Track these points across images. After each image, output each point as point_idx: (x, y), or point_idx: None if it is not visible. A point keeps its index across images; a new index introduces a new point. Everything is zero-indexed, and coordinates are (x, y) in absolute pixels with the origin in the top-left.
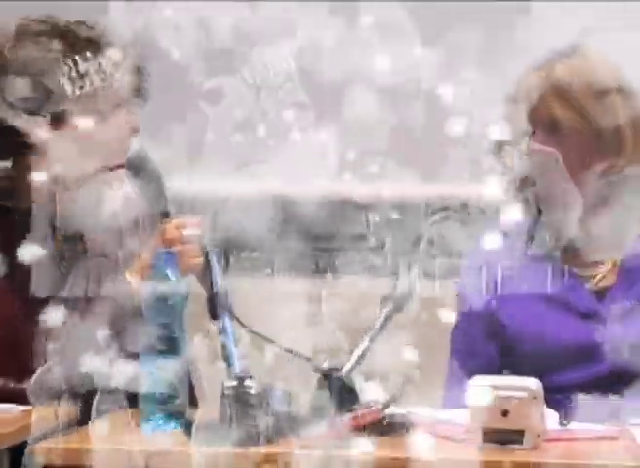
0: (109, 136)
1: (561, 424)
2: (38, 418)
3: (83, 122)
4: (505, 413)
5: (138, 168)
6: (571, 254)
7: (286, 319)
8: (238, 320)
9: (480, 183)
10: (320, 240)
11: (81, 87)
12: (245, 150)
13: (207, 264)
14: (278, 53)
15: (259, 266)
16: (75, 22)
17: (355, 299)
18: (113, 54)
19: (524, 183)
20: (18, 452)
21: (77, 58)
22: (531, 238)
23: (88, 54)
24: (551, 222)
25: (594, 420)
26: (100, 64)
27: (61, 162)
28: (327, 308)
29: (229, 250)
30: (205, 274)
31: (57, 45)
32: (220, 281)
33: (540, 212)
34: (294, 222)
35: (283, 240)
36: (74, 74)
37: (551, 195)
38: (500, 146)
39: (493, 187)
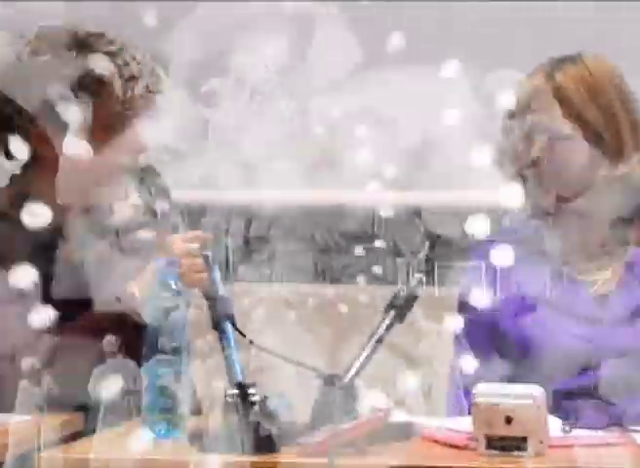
0: (120, 153)
1: (564, 431)
2: (43, 428)
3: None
4: (509, 420)
5: (144, 180)
6: (572, 260)
7: (289, 325)
8: (239, 330)
9: (483, 188)
10: (323, 246)
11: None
12: (247, 154)
13: (209, 274)
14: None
15: (261, 272)
16: (96, 34)
17: (359, 306)
18: (130, 71)
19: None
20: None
21: (91, 80)
22: (534, 244)
23: (105, 75)
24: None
25: (597, 426)
26: (114, 87)
27: (72, 175)
28: (330, 315)
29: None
30: (208, 284)
31: (73, 59)
32: (222, 290)
33: (544, 216)
34: (296, 228)
35: (286, 246)
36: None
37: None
38: (502, 152)
39: (495, 192)
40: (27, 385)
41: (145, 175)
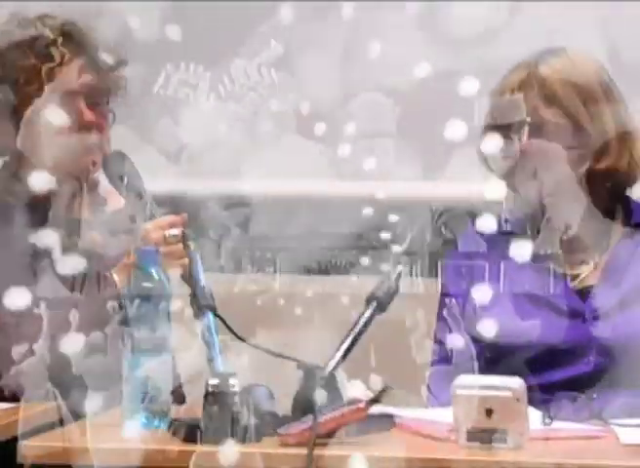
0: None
1: (544, 423)
2: (25, 416)
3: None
4: (489, 413)
5: (115, 167)
6: (555, 253)
7: (278, 317)
8: (221, 319)
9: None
10: (312, 238)
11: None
12: (242, 149)
13: (190, 262)
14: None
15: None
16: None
17: (344, 298)
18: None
19: (515, 181)
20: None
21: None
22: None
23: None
24: (554, 219)
25: (577, 419)
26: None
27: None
28: (316, 307)
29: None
30: (189, 272)
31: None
32: (203, 279)
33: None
34: (290, 221)
35: (282, 239)
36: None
37: (554, 192)
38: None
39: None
40: None
41: (115, 161)
